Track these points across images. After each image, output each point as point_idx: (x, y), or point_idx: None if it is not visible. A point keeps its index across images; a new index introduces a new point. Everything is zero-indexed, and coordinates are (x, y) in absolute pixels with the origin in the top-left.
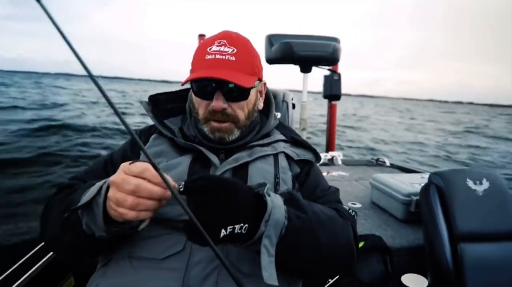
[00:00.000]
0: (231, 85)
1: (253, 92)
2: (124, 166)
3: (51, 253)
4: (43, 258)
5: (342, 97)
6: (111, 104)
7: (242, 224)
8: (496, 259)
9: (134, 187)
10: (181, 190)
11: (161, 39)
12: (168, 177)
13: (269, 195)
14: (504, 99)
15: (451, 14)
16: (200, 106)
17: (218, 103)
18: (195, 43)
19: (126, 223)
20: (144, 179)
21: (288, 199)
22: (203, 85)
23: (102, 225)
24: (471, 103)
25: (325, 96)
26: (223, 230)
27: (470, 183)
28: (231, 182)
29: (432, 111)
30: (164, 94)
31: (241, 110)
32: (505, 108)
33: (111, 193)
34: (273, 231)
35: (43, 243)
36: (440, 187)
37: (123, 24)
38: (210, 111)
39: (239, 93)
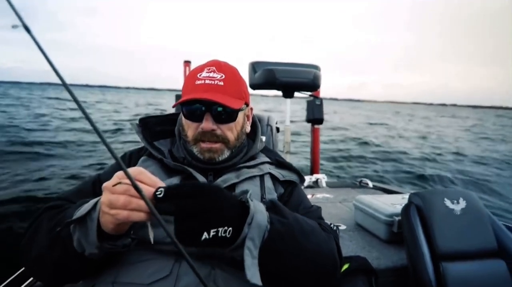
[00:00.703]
0: (219, 109)
1: (240, 115)
2: (118, 172)
3: (27, 282)
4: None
5: (330, 101)
6: (91, 123)
7: (226, 227)
8: (477, 277)
9: (126, 187)
10: (159, 196)
11: (150, 45)
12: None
13: (251, 201)
14: (487, 101)
15: (437, 18)
16: (190, 128)
17: (207, 124)
18: (177, 48)
19: (119, 239)
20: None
21: (271, 206)
22: (193, 108)
23: (95, 240)
24: (454, 105)
25: (308, 121)
26: (205, 233)
27: (447, 202)
28: (215, 187)
29: (447, 119)
30: (154, 117)
31: (230, 132)
32: (490, 109)
33: (104, 197)
34: (256, 233)
35: (19, 271)
36: (419, 207)
37: (111, 32)
38: (199, 133)
39: (228, 116)
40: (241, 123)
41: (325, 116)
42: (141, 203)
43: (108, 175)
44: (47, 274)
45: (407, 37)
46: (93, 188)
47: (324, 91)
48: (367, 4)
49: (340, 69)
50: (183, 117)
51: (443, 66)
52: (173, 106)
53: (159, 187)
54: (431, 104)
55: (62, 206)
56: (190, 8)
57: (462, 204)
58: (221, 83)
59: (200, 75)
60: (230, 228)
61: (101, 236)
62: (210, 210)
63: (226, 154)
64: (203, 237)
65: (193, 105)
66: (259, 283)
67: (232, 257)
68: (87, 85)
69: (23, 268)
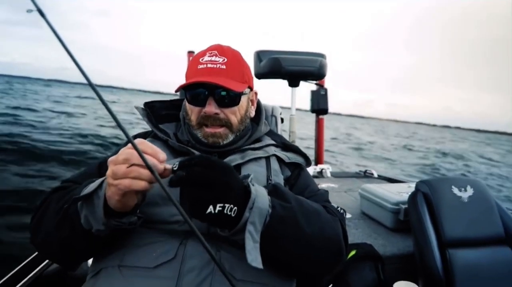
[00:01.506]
0: (223, 93)
1: (244, 99)
2: (122, 148)
3: (41, 266)
4: (32, 271)
5: (334, 116)
6: (108, 108)
7: (232, 205)
8: (484, 264)
9: (126, 155)
10: (175, 168)
11: (156, 49)
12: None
13: (253, 185)
14: (490, 126)
15: (443, 41)
16: (193, 112)
17: (210, 108)
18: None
19: (125, 216)
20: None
21: (273, 190)
22: (196, 93)
23: (102, 216)
24: (458, 127)
25: (312, 111)
26: (211, 207)
27: (455, 190)
28: (227, 164)
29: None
30: (159, 102)
31: (233, 115)
32: (492, 134)
33: (108, 170)
34: (257, 218)
35: (32, 256)
36: (427, 195)
37: (119, 34)
38: (202, 117)
39: (231, 99)
40: (244, 107)
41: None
42: (142, 170)
43: None
44: (55, 253)
45: (409, 59)
46: (99, 170)
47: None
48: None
49: (345, 85)
50: (186, 102)
51: (445, 90)
52: (176, 91)
53: (175, 162)
54: (434, 125)
55: (69, 187)
56: (187, 10)
57: (470, 191)
58: (224, 66)
59: (202, 60)
60: (236, 208)
61: (108, 213)
62: (220, 184)
63: (230, 137)
64: (209, 210)
65: (196, 90)
66: (260, 266)
67: (234, 240)
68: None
69: (35, 254)
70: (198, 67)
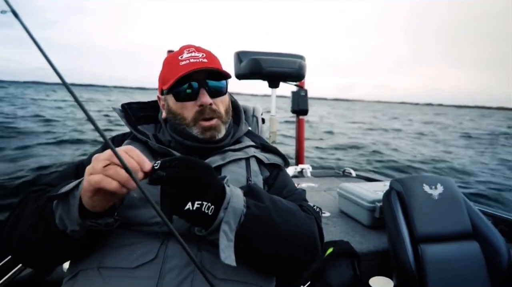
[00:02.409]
0: (212, 84)
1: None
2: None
3: (12, 272)
4: (3, 277)
5: (322, 102)
6: (84, 110)
7: (210, 204)
8: (453, 257)
9: (109, 155)
10: (156, 167)
11: (142, 45)
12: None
13: (228, 186)
14: (470, 101)
15: (413, 22)
16: (186, 109)
17: (206, 98)
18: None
19: (101, 218)
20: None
21: (248, 191)
22: (186, 88)
23: (76, 216)
24: (440, 105)
25: (293, 111)
26: (189, 203)
27: (426, 188)
28: (207, 164)
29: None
30: (136, 103)
31: (222, 105)
32: (471, 109)
33: (89, 165)
34: (232, 217)
35: (2, 262)
36: (400, 193)
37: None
38: (198, 111)
39: (220, 89)
40: (227, 99)
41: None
42: (119, 170)
43: (91, 159)
44: (31, 256)
45: (396, 43)
46: (76, 172)
47: (314, 92)
48: (360, 11)
49: (331, 70)
50: (174, 102)
51: (423, 70)
52: (167, 88)
53: (156, 161)
54: (417, 104)
55: (45, 190)
56: (177, 7)
57: (440, 189)
58: (205, 60)
59: (182, 57)
60: (213, 206)
61: (84, 215)
62: (200, 183)
63: (223, 131)
64: (187, 207)
65: (185, 85)
66: (233, 264)
67: (211, 240)
68: (72, 84)
69: (6, 259)
70: (181, 63)
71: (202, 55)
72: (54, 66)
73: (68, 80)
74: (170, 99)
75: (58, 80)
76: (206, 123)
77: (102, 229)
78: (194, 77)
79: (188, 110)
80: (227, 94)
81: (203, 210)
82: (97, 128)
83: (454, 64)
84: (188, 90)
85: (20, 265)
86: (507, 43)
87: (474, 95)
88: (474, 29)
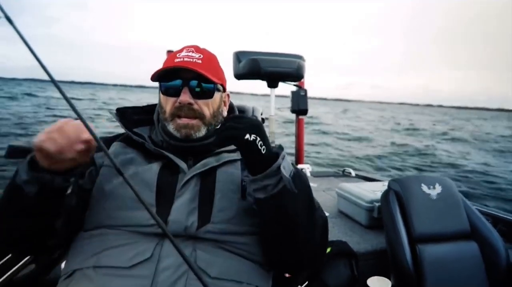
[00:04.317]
0: (197, 84)
1: (217, 95)
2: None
3: (11, 271)
4: (1, 277)
5: (322, 102)
6: (74, 109)
7: (262, 142)
8: (451, 258)
9: (68, 124)
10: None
11: (141, 42)
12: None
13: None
14: (470, 102)
15: (414, 22)
16: (167, 104)
17: (185, 97)
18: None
19: (53, 171)
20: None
21: (295, 170)
22: (171, 83)
23: (26, 165)
24: (440, 106)
25: (292, 111)
26: (248, 134)
27: (424, 188)
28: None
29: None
30: (131, 108)
31: (206, 107)
32: (470, 110)
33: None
34: (287, 166)
35: (1, 262)
36: (398, 193)
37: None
38: (176, 107)
39: (205, 92)
40: (217, 103)
41: None
42: (57, 136)
43: None
44: (13, 240)
45: (393, 44)
46: None
47: (314, 91)
48: (360, 11)
49: (331, 70)
50: (161, 95)
51: (423, 72)
52: (152, 77)
53: None
54: (417, 105)
55: None
56: (178, 6)
57: (438, 189)
58: (200, 61)
59: (179, 55)
60: (265, 147)
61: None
62: (256, 125)
63: (203, 131)
64: (246, 137)
65: (171, 81)
66: (295, 191)
67: (208, 239)
68: (72, 82)
69: (5, 258)
70: (175, 60)
71: (199, 56)
72: (42, 63)
73: (81, 79)
74: (161, 90)
75: (63, 78)
76: (181, 121)
77: (53, 187)
78: (182, 75)
79: (169, 105)
80: (219, 97)
81: (257, 143)
82: (89, 130)
83: (453, 65)
84: (172, 86)
85: (19, 265)
86: (506, 44)
87: (473, 96)
88: (473, 30)
